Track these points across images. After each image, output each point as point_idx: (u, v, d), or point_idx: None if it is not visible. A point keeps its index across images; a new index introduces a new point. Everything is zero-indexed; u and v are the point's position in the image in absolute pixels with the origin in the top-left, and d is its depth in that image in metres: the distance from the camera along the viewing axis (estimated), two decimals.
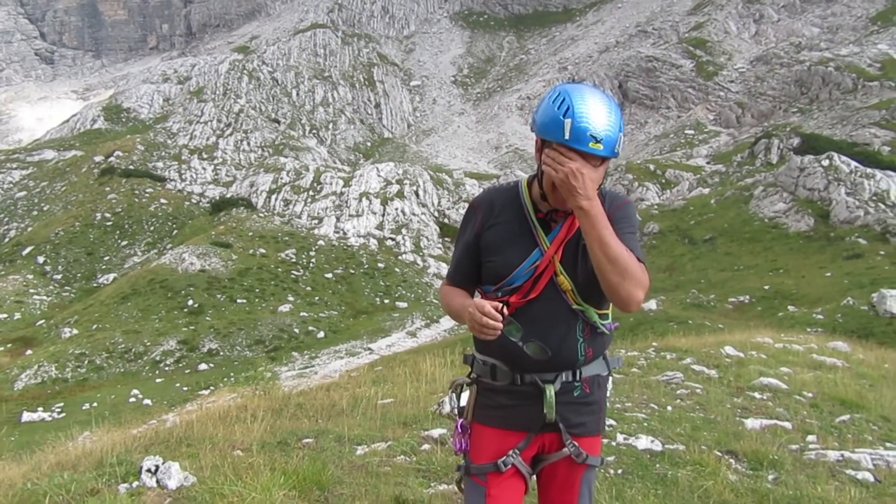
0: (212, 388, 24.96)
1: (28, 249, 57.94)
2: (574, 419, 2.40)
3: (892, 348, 14.67)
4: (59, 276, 55.02)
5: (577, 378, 2.39)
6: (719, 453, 5.00)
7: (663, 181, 58.36)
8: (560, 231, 2.35)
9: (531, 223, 2.38)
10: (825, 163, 40.67)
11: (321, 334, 38.98)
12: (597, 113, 2.16)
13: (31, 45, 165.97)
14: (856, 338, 16.14)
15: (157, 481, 3.95)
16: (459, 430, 2.49)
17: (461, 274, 2.52)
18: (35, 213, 69.80)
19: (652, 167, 61.19)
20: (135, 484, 3.93)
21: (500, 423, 2.43)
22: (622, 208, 2.37)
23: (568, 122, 2.16)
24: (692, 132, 78.75)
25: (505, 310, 2.24)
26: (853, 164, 40.30)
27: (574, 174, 2.13)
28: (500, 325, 2.21)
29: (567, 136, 2.16)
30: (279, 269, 48.35)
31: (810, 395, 7.14)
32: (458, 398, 2.55)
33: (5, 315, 46.19)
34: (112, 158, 76.98)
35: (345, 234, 57.98)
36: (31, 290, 51.35)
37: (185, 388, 28.97)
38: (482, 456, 2.44)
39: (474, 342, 2.55)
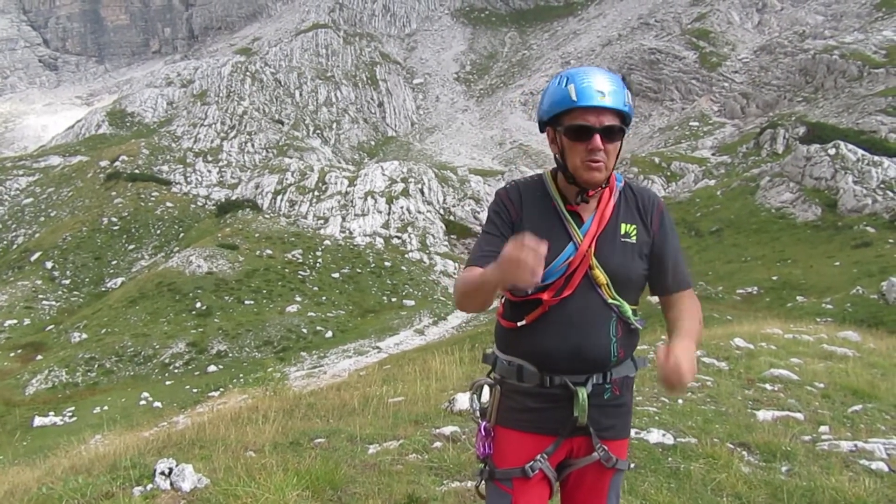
0: (221, 389, 25.03)
1: (36, 255, 58.21)
2: (604, 422, 2.32)
3: None
4: (67, 282, 55.25)
5: (608, 380, 2.30)
6: (731, 446, 4.97)
7: (669, 174, 58.22)
8: (592, 224, 2.27)
9: (563, 216, 2.30)
10: (832, 151, 40.46)
11: (329, 334, 39.07)
12: (597, 75, 2.22)
13: (34, 52, 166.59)
14: (866, 327, 16.07)
15: (171, 483, 3.97)
16: (483, 434, 2.36)
17: (490, 260, 2.14)
18: (42, 218, 70.13)
19: (657, 160, 61.03)
20: (149, 487, 3.95)
21: (527, 427, 2.31)
22: (664, 218, 2.37)
23: (571, 87, 2.20)
24: (697, 124, 78.48)
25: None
26: (860, 152, 40.07)
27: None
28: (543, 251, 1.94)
29: (575, 98, 2.18)
30: (286, 270, 48.48)
31: (821, 385, 7.10)
32: (479, 399, 2.43)
33: (15, 321, 46.43)
34: (117, 163, 77.24)
35: (351, 233, 58.07)
36: (40, 296, 51.61)
37: (195, 390, 29.10)
38: (508, 461, 2.31)
39: (497, 340, 2.44)
